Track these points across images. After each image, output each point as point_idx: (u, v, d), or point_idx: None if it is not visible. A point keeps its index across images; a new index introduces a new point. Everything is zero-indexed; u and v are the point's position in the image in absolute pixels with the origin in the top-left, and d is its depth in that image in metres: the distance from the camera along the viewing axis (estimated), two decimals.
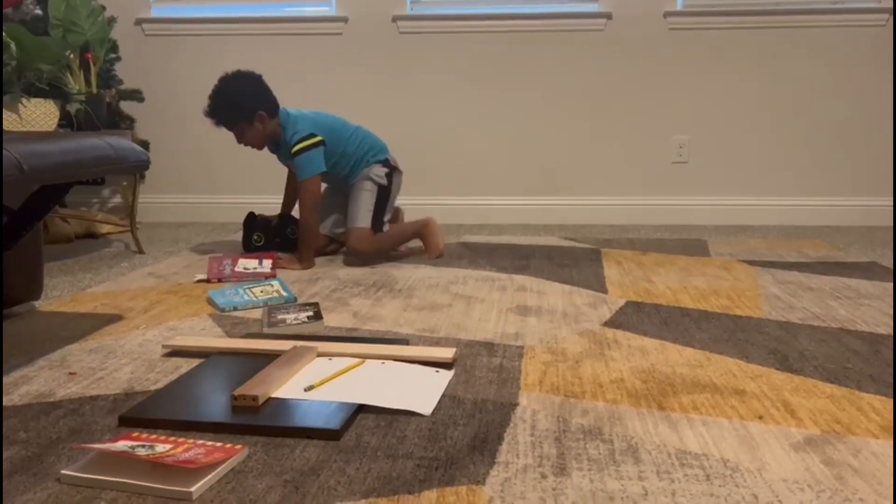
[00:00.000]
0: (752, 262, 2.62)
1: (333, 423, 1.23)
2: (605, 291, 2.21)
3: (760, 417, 1.27)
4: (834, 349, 1.64)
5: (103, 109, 3.07)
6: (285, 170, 2.88)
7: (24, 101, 2.68)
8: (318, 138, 2.60)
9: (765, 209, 3.63)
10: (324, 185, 2.74)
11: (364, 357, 1.55)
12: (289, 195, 2.94)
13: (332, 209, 2.79)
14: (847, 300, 2.08)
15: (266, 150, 2.74)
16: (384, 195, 2.69)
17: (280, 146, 2.69)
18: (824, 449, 1.15)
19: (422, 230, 2.78)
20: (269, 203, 3.11)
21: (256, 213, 2.88)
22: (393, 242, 2.71)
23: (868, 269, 2.51)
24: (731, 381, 1.44)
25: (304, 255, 2.58)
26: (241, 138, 2.60)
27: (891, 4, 3.40)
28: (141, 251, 2.96)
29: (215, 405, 1.31)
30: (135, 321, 1.92)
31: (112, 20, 3.27)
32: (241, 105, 2.54)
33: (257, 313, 1.99)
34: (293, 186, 2.86)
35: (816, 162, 3.58)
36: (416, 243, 2.85)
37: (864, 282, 2.31)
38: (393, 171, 2.74)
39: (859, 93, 3.51)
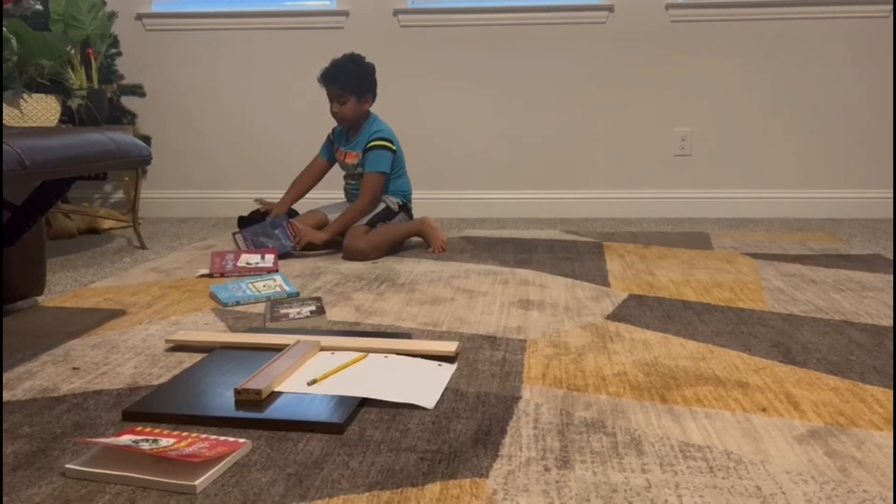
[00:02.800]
0: (754, 255, 2.62)
1: (337, 416, 1.23)
2: (607, 285, 2.21)
3: (763, 410, 1.27)
4: (837, 341, 1.64)
5: (104, 104, 3.07)
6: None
7: (25, 96, 2.68)
8: (394, 148, 2.80)
9: (767, 202, 3.62)
10: (342, 200, 2.94)
11: (367, 351, 1.55)
12: (296, 188, 2.93)
13: (339, 210, 2.83)
14: (850, 292, 2.07)
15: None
16: (387, 216, 2.80)
17: (352, 134, 2.85)
18: (828, 441, 1.15)
19: (420, 228, 2.79)
20: (271, 198, 3.11)
21: (245, 214, 2.87)
22: (387, 241, 2.70)
23: (871, 261, 2.51)
24: (734, 374, 1.44)
25: (333, 228, 2.72)
26: (341, 106, 2.76)
27: None
28: (143, 246, 2.96)
29: (219, 399, 1.32)
30: (138, 316, 1.92)
31: (113, 15, 3.27)
32: (364, 81, 2.77)
33: (260, 308, 2.00)
34: (306, 183, 2.95)
35: (819, 154, 3.58)
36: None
37: (867, 274, 2.30)
38: (405, 210, 2.88)
39: (861, 84, 3.49)
